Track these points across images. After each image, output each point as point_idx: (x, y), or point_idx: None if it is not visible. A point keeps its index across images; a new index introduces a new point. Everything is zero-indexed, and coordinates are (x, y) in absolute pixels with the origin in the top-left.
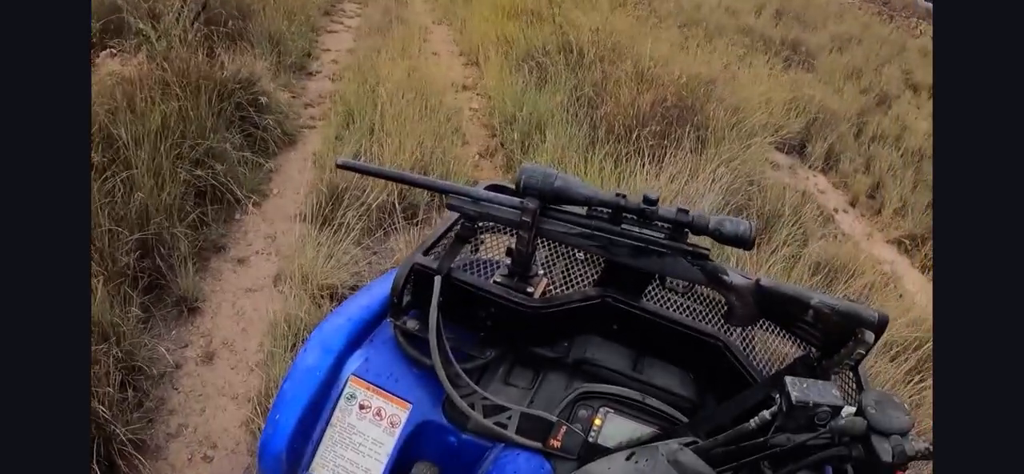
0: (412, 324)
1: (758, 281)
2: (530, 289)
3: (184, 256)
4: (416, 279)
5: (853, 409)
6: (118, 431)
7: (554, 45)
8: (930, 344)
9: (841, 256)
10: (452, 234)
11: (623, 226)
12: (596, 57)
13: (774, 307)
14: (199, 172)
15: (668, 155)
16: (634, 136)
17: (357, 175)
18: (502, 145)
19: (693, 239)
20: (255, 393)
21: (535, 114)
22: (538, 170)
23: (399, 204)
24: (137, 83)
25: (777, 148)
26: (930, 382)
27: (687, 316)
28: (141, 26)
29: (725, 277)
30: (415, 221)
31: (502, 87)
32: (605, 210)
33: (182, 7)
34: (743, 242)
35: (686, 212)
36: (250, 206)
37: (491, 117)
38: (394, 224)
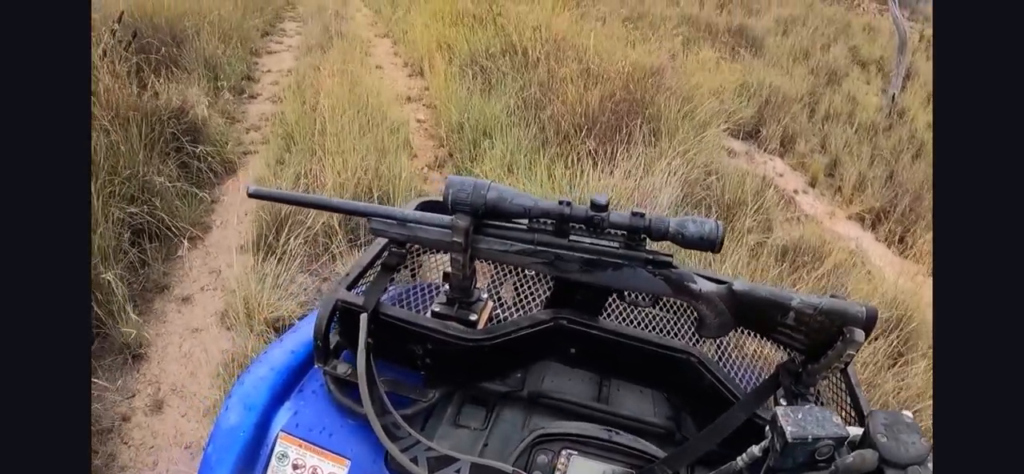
0: (343, 369)
1: (730, 286)
2: (473, 317)
3: (122, 301)
4: (343, 317)
5: (858, 432)
6: None
7: (497, 47)
8: (909, 323)
9: (806, 238)
10: (380, 263)
11: (571, 237)
12: (541, 55)
13: (751, 313)
14: (134, 209)
15: (620, 151)
16: (583, 134)
17: None
18: (450, 155)
19: (652, 245)
20: None
21: (481, 121)
22: (467, 182)
23: (343, 226)
24: None
25: (731, 134)
26: (914, 363)
27: (654, 331)
28: None
29: (692, 285)
30: (358, 243)
31: (447, 95)
32: (548, 222)
33: (111, 38)
34: (709, 244)
35: (642, 215)
36: (200, 240)
37: (438, 127)
38: (340, 247)
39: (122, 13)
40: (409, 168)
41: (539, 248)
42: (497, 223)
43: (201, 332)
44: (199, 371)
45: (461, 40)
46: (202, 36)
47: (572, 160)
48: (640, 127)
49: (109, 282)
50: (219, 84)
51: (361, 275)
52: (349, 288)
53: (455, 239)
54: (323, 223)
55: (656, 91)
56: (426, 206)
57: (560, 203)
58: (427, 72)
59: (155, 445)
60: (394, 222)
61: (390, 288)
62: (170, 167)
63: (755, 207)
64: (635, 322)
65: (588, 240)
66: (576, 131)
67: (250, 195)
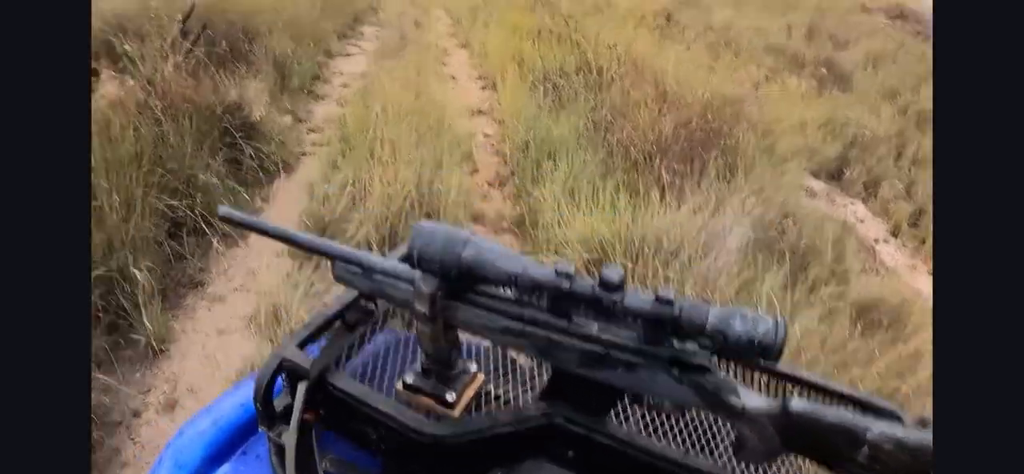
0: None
1: (785, 406)
2: (450, 396)
3: (149, 294)
4: (292, 379)
5: None
6: None
7: (572, 65)
8: None
9: (886, 297)
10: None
11: (573, 319)
12: (616, 75)
13: (809, 440)
14: (175, 202)
15: (691, 184)
16: (655, 163)
17: (340, 207)
18: (512, 174)
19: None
20: None
21: (548, 141)
22: (439, 233)
23: (384, 241)
24: (116, 107)
25: (812, 174)
26: None
27: (677, 443)
28: (127, 48)
29: (733, 400)
30: None
31: (515, 111)
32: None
33: (180, 30)
34: (764, 351)
35: (670, 303)
36: (243, 239)
37: (503, 143)
38: None
39: (193, 5)
40: (468, 183)
41: (528, 328)
42: (477, 288)
43: (227, 334)
44: (219, 373)
45: (536, 56)
46: (274, 35)
47: (638, 189)
48: (715, 159)
49: (136, 274)
50: (286, 83)
51: (319, 331)
52: (301, 346)
53: (418, 307)
54: (365, 233)
55: (735, 122)
56: None
57: (557, 273)
58: (500, 86)
59: (161, 445)
60: (359, 271)
61: (373, 339)
62: (219, 163)
63: (834, 255)
64: (657, 425)
65: (594, 327)
66: (646, 159)
67: (221, 217)
